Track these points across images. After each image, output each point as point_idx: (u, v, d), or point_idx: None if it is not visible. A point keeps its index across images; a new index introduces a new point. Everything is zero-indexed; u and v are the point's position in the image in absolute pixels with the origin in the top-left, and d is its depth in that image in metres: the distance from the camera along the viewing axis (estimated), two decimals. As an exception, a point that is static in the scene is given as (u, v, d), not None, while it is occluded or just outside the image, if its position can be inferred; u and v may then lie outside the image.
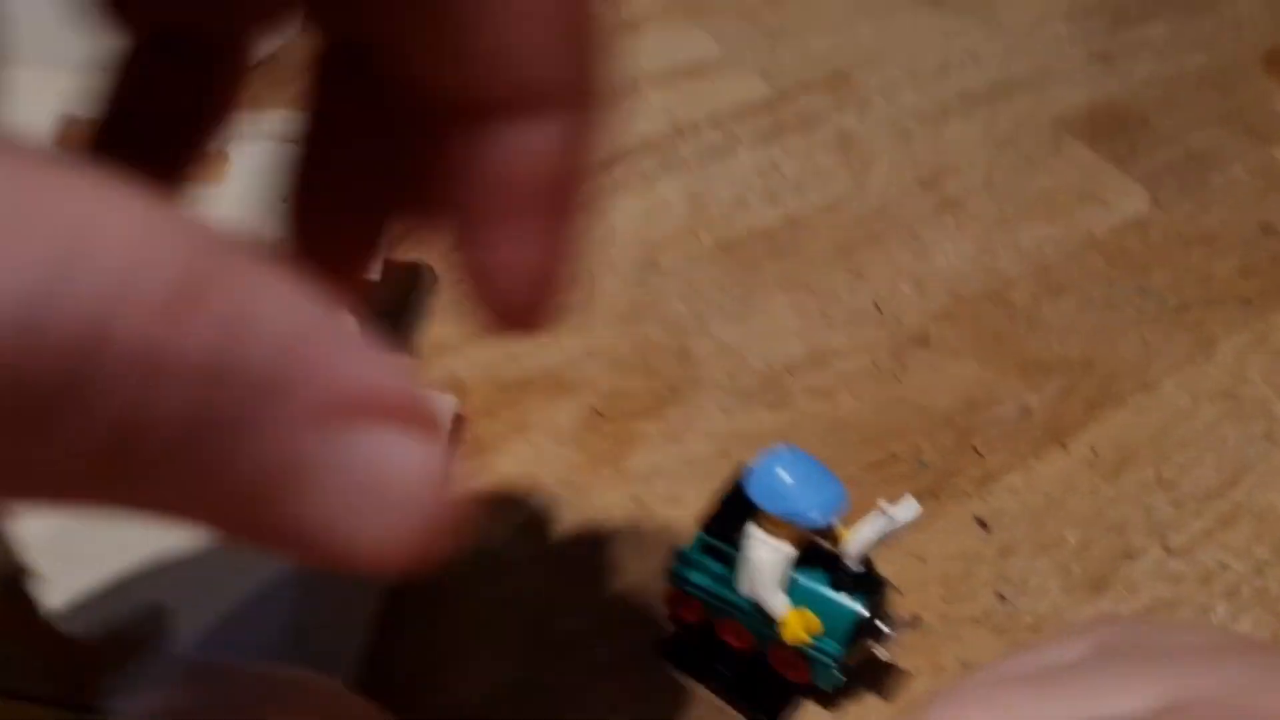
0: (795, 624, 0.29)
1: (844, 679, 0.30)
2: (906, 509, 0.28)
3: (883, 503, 0.28)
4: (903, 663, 0.32)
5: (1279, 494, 0.38)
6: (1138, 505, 0.37)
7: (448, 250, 0.17)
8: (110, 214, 0.10)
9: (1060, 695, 0.15)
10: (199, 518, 0.11)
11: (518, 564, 0.33)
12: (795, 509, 0.28)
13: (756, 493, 0.28)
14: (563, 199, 0.15)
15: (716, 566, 0.30)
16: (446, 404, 0.34)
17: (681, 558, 0.31)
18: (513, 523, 0.34)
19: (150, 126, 0.19)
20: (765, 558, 0.29)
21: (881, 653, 0.30)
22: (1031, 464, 0.38)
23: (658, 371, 0.39)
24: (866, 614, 0.29)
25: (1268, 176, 0.51)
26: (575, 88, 0.15)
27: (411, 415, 0.11)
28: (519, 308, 0.16)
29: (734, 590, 0.29)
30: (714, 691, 0.31)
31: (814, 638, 0.29)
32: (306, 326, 0.11)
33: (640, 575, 0.33)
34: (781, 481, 0.28)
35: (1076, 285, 0.44)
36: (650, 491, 0.35)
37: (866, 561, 0.29)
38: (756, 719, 0.31)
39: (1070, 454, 0.38)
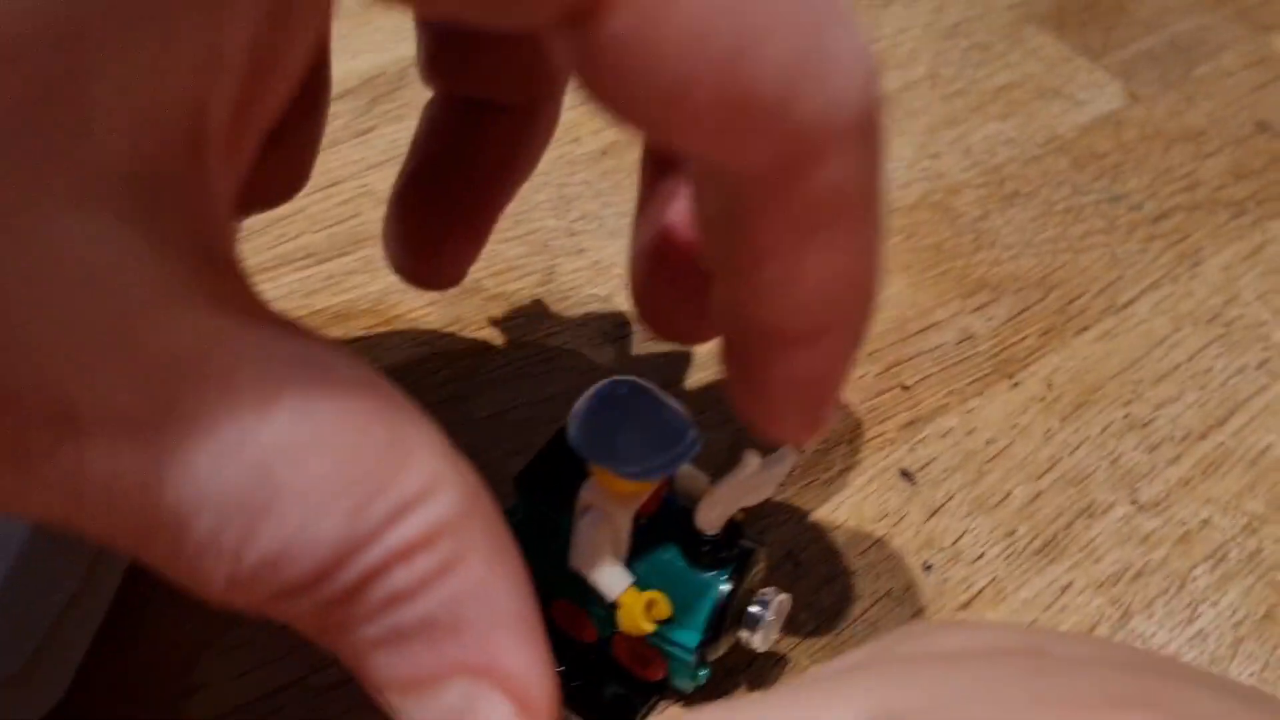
0: (633, 608, 0.22)
1: (705, 678, 0.23)
2: (781, 458, 0.21)
3: (749, 451, 0.21)
4: (794, 656, 0.25)
5: (1277, 435, 0.31)
6: (1102, 451, 0.30)
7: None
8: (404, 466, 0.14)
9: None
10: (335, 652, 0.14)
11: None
12: (622, 459, 0.21)
13: (578, 439, 0.21)
14: (824, 391, 0.19)
15: (545, 536, 0.23)
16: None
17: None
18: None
19: (454, 176, 0.23)
20: (594, 523, 0.22)
21: (756, 643, 0.23)
22: (972, 403, 0.31)
23: (513, 297, 0.32)
24: (728, 593, 0.22)
25: (1264, 68, 0.43)
26: (850, 324, 0.18)
27: (529, 703, 0.14)
28: (793, 443, 0.20)
29: (567, 566, 0.23)
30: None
31: (663, 625, 0.22)
32: (493, 603, 0.14)
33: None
34: (609, 424, 0.21)
35: (1035, 191, 0.37)
36: (494, 442, 0.28)
37: (733, 526, 0.23)
38: (599, 730, 0.24)
39: (1021, 390, 0.31)
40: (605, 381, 0.22)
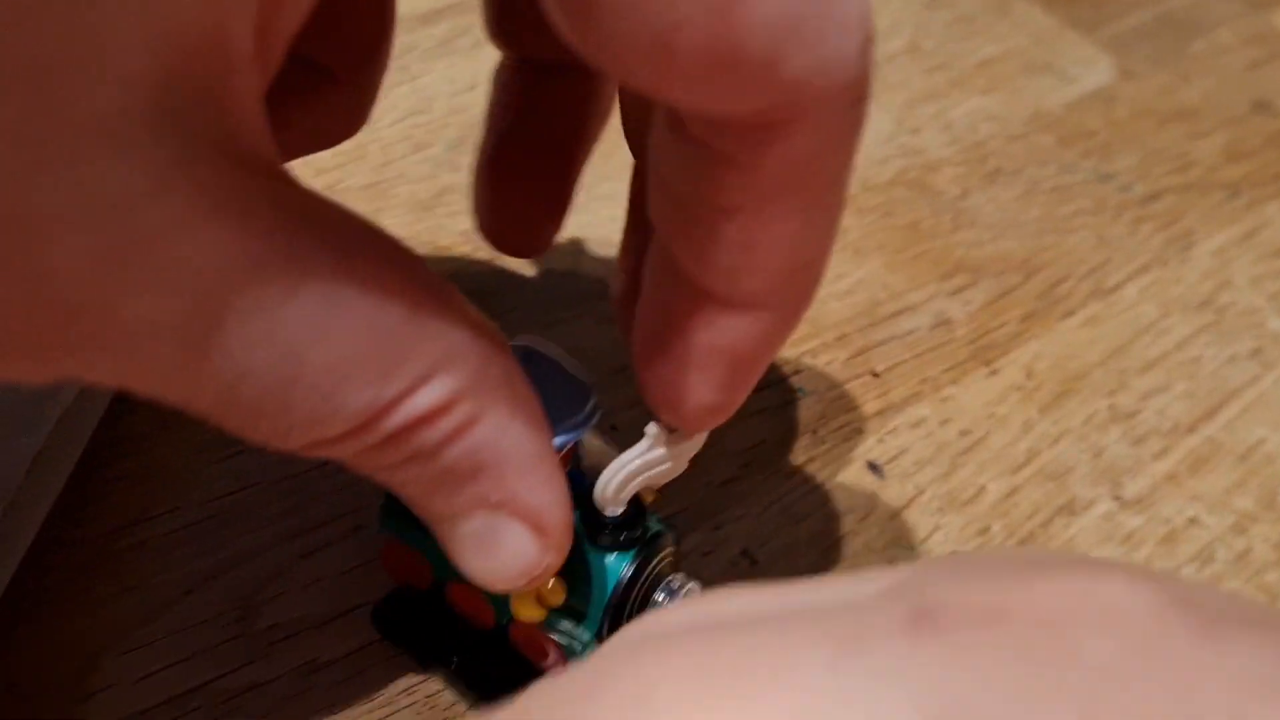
0: (524, 593, 0.20)
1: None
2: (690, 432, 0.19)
3: (654, 424, 0.19)
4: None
5: (1269, 428, 0.29)
6: (1084, 444, 0.28)
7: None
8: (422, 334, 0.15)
9: (779, 592, 0.13)
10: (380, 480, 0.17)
11: (225, 525, 0.24)
12: None
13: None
14: (743, 370, 0.18)
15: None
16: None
17: (393, 500, 0.22)
18: (220, 461, 0.25)
19: (532, 141, 0.23)
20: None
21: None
22: (946, 391, 0.29)
23: (459, 272, 0.30)
24: (629, 578, 0.20)
25: (1262, 44, 0.42)
26: (788, 302, 0.18)
27: (543, 528, 0.17)
28: (689, 424, 0.19)
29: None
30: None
31: (558, 612, 0.20)
32: (509, 451, 0.17)
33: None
34: None
35: (1019, 169, 0.35)
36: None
37: (637, 506, 0.20)
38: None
39: (999, 378, 0.30)
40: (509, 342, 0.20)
